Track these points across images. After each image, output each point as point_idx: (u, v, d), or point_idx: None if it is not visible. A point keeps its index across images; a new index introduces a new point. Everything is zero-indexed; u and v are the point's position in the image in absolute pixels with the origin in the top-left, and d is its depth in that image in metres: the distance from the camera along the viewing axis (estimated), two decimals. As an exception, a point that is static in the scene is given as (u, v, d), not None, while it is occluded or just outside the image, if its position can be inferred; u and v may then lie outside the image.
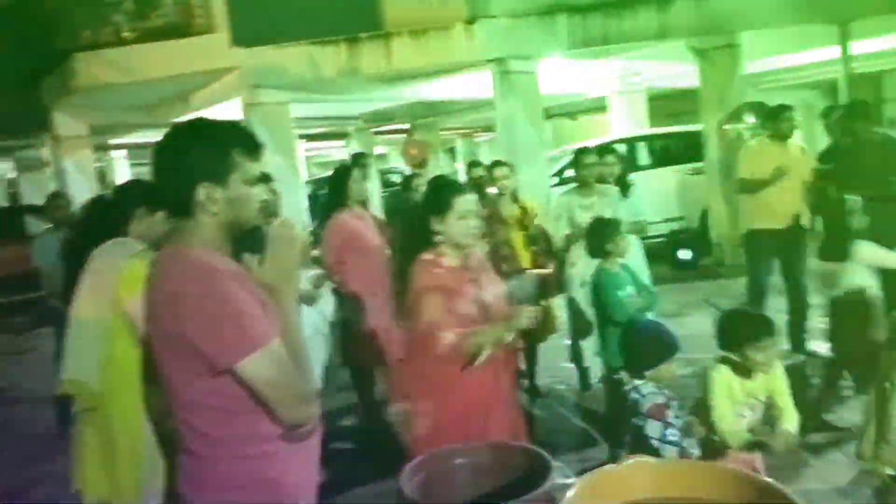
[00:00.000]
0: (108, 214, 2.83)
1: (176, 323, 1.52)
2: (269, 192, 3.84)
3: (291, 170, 8.74)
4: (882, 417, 3.15)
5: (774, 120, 5.21)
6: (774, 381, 2.76)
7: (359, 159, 6.51)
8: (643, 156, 10.08)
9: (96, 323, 2.47)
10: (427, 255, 2.53)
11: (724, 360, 2.78)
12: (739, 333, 2.74)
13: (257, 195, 1.66)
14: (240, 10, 8.49)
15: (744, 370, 2.73)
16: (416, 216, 2.69)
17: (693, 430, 2.49)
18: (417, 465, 1.93)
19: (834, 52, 9.01)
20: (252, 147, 1.64)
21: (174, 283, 1.55)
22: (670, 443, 2.44)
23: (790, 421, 2.71)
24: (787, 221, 5.10)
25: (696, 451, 2.51)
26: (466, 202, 2.56)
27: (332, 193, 4.72)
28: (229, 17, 8.49)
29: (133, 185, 2.76)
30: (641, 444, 2.46)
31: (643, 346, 2.73)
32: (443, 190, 2.62)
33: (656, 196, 8.51)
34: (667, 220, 9.05)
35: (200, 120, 1.66)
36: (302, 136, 13.57)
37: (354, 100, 11.79)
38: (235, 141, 1.62)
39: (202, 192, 1.57)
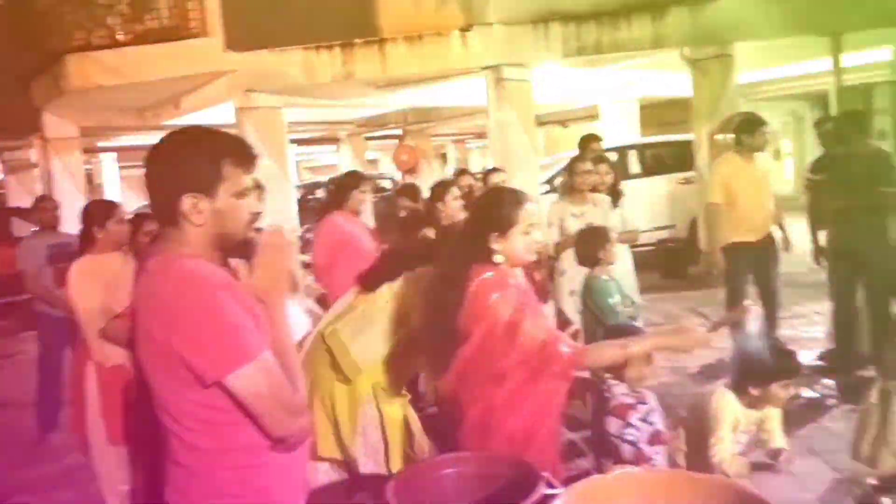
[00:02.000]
0: None
1: (164, 333, 1.48)
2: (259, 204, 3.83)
3: (283, 175, 8.72)
4: (883, 419, 3.16)
5: (749, 134, 5.18)
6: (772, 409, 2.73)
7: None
8: (634, 164, 10.11)
9: None
10: (487, 275, 2.22)
11: (735, 389, 2.69)
12: (771, 371, 2.63)
13: (247, 207, 1.62)
14: (235, 14, 8.46)
15: (754, 402, 2.66)
16: (467, 232, 2.37)
17: (670, 444, 2.48)
18: (404, 476, 1.91)
19: (825, 63, 9.07)
20: (244, 158, 1.61)
21: (163, 292, 1.52)
22: (628, 441, 2.45)
23: (780, 441, 2.69)
24: (761, 234, 5.16)
25: (659, 459, 2.50)
26: (531, 214, 2.29)
27: (330, 196, 4.72)
28: (224, 20, 8.47)
29: None
30: (605, 443, 2.48)
31: None
32: (505, 203, 2.28)
33: (647, 205, 8.54)
34: (657, 229, 9.07)
35: (193, 128, 1.64)
36: (293, 141, 13.56)
37: (348, 105, 11.78)
38: (227, 151, 1.59)
39: (187, 202, 1.55)
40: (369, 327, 2.78)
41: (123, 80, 8.54)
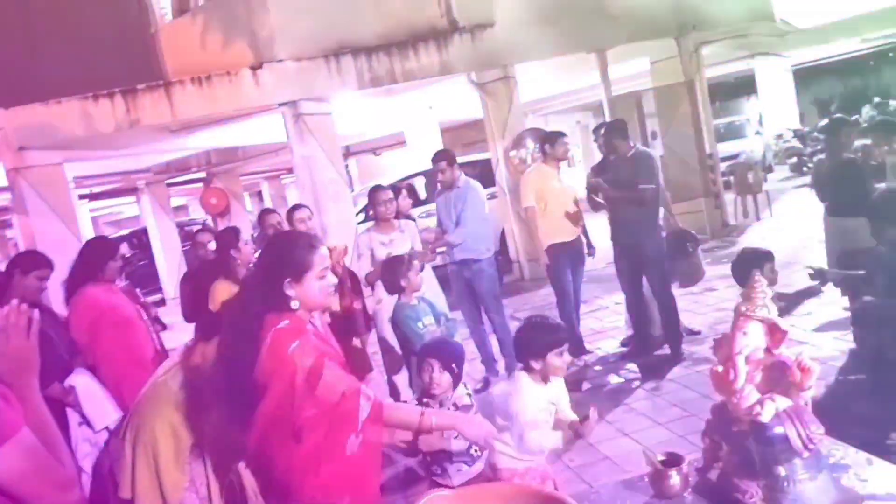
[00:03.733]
0: None
1: None
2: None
3: (72, 234, 8.03)
4: None
5: (552, 145, 5.68)
6: (560, 385, 2.84)
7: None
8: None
9: None
10: (283, 323, 2.13)
11: (524, 370, 2.79)
12: (542, 341, 2.73)
13: None
14: (-5, 68, 7.74)
15: (542, 377, 2.75)
16: (259, 279, 2.28)
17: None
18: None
19: (596, 77, 9.99)
20: None
21: None
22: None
23: (571, 414, 2.80)
24: (573, 235, 5.65)
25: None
26: (324, 258, 2.24)
27: (79, 267, 4.03)
28: (-18, 76, 7.71)
29: None
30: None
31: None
32: (298, 248, 2.23)
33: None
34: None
35: None
36: (84, 196, 12.55)
37: (142, 152, 11.14)
38: None
39: None
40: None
41: None
